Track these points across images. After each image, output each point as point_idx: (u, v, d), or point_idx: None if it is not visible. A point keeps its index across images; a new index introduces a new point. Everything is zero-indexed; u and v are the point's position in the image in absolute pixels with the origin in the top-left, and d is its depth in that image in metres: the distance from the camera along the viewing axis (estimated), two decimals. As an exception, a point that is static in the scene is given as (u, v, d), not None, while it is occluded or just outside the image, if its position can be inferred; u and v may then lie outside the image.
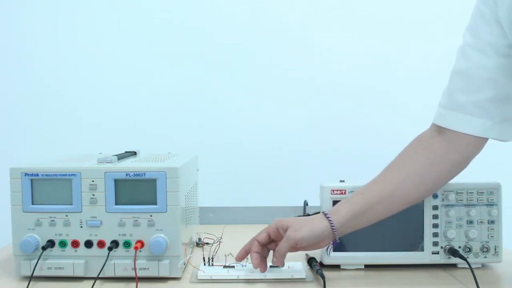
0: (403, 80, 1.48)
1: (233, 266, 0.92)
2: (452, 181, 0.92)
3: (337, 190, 0.95)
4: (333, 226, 0.84)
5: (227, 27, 1.48)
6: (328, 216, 0.85)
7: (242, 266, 0.92)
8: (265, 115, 1.49)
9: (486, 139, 0.85)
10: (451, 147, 0.86)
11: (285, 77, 1.48)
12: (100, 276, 0.85)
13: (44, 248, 0.87)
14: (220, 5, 1.47)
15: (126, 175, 0.88)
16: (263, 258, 0.89)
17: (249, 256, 0.89)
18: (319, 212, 0.90)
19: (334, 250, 0.94)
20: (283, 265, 0.88)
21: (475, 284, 0.83)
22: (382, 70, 1.48)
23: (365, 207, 0.85)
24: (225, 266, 0.92)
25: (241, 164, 1.48)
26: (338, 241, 0.86)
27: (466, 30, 0.86)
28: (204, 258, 0.95)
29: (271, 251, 0.90)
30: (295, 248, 0.85)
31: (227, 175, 1.48)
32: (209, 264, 0.94)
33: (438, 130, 0.88)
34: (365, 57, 1.48)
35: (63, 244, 0.88)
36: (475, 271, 0.86)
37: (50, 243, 0.88)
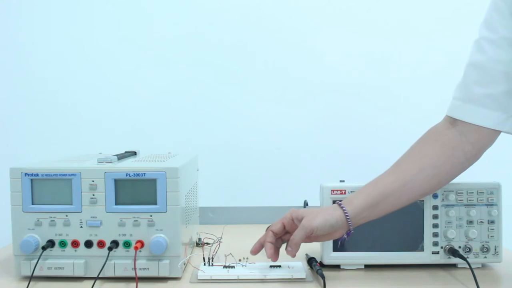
0: (404, 80, 1.48)
1: (233, 266, 0.92)
2: (452, 181, 0.92)
3: (337, 190, 0.95)
4: (347, 216, 0.84)
5: (227, 27, 1.47)
6: (342, 206, 0.85)
7: (242, 266, 0.93)
8: (265, 115, 1.49)
9: (499, 132, 0.86)
10: (464, 139, 0.86)
11: (285, 77, 1.48)
12: (100, 276, 0.85)
13: (44, 248, 0.87)
14: (220, 5, 1.47)
15: (126, 175, 0.88)
16: (276, 249, 0.90)
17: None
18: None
19: (334, 250, 0.95)
20: (294, 254, 0.87)
21: (475, 284, 0.83)
22: (382, 70, 1.48)
23: (378, 198, 0.85)
24: (225, 266, 0.92)
25: (241, 164, 1.48)
26: (352, 231, 0.86)
27: (482, 23, 0.86)
28: (204, 258, 0.95)
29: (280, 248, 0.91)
30: (309, 238, 0.86)
31: (227, 175, 1.48)
32: (209, 264, 0.94)
33: (452, 122, 0.88)
34: (365, 57, 1.48)
35: (63, 244, 0.88)
36: (475, 271, 0.86)
37: (50, 243, 0.88)
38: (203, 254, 0.96)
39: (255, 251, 0.90)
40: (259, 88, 1.48)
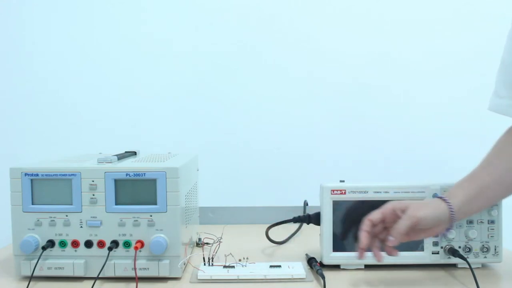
0: (405, 80, 1.48)
1: (233, 266, 0.92)
2: (452, 181, 0.92)
3: (337, 190, 0.95)
4: (452, 210, 0.83)
5: (227, 27, 1.47)
6: (446, 199, 0.84)
7: (242, 266, 0.93)
8: (265, 115, 1.49)
9: None
10: None
11: (285, 77, 1.48)
12: (100, 276, 0.85)
13: (44, 248, 0.87)
14: (220, 5, 1.47)
15: (126, 175, 0.88)
16: (377, 249, 0.86)
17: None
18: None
19: (334, 250, 0.95)
20: (393, 248, 0.82)
21: (475, 284, 0.83)
22: (383, 70, 1.48)
23: (476, 191, 0.85)
24: (225, 266, 0.92)
25: (241, 164, 1.48)
26: (452, 229, 0.85)
27: None
28: (204, 258, 0.95)
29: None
30: (408, 235, 0.83)
31: (227, 175, 1.48)
32: (209, 264, 0.94)
33: None
34: (366, 57, 1.48)
35: (63, 244, 0.88)
36: (475, 271, 0.86)
37: (50, 243, 0.88)
38: (203, 254, 0.96)
39: (361, 254, 0.86)
40: (259, 88, 1.48)
